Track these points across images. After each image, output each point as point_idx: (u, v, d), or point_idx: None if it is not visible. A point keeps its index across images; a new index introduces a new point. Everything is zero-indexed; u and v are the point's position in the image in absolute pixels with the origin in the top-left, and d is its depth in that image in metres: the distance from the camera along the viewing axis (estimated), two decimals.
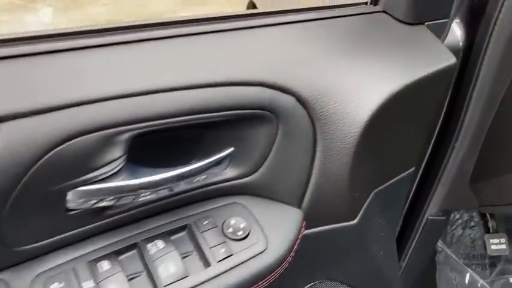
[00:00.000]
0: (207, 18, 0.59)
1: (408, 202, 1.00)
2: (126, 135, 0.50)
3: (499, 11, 0.73)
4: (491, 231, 1.30)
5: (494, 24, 0.73)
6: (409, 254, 1.07)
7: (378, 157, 0.68)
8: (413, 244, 1.05)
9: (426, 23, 0.72)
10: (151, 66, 0.52)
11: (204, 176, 0.59)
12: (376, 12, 0.72)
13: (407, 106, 0.67)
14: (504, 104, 0.85)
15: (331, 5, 0.73)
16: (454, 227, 1.45)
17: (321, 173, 0.62)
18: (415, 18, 0.70)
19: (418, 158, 0.83)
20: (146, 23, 0.54)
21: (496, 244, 1.21)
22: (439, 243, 1.39)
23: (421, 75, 0.65)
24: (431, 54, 0.69)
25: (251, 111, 0.56)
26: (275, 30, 0.63)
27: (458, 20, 0.80)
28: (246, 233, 0.58)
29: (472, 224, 1.46)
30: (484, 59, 0.76)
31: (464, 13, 0.80)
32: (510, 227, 1.43)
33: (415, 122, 0.72)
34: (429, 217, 0.99)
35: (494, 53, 0.75)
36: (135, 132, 0.51)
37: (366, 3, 0.74)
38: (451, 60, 0.69)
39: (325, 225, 0.67)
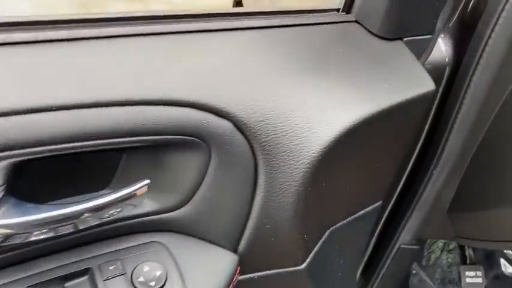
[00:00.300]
0: (126, 17, 0.48)
1: (378, 229, 0.91)
2: (1, 163, 0.40)
3: (492, 30, 0.63)
4: (468, 261, 1.22)
5: (486, 43, 0.64)
6: (378, 281, 0.98)
7: (334, 194, 0.58)
8: (383, 272, 0.96)
9: (405, 39, 0.62)
10: (37, 77, 0.41)
11: (118, 209, 0.49)
12: (347, 22, 0.61)
13: (372, 137, 0.57)
14: (493, 130, 0.76)
15: (296, 9, 0.63)
16: (431, 249, 1.38)
17: (263, 212, 0.52)
18: (392, 33, 0.60)
19: (387, 190, 0.74)
20: (34, 19, 0.43)
21: (472, 277, 1.13)
22: (414, 266, 1.32)
23: (392, 102, 0.55)
24: (407, 77, 0.59)
25: (175, 137, 0.46)
26: (219, 37, 0.52)
27: (445, 36, 0.70)
28: (161, 284, 0.48)
29: (451, 247, 1.39)
30: (471, 80, 0.67)
31: (453, 29, 0.70)
32: (489, 252, 1.36)
33: (382, 154, 0.62)
34: (401, 245, 0.90)
35: (484, 74, 0.65)
36: (17, 159, 0.40)
37: (337, 10, 0.64)
38: (429, 86, 0.59)
39: (266, 270, 0.57)
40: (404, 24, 0.60)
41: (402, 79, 0.58)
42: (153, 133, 0.45)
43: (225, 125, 0.47)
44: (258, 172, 0.51)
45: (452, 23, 0.69)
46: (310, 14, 0.62)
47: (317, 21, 0.60)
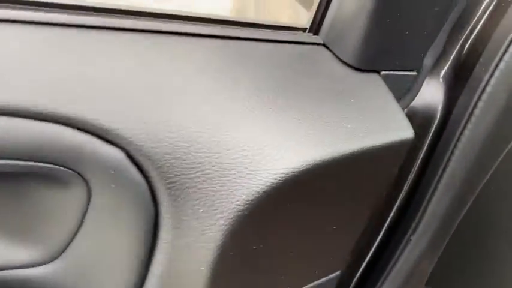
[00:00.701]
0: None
1: None
2: None
3: (491, 75, 0.53)
4: None
5: (483, 89, 0.53)
6: None
7: (268, 262, 0.44)
8: None
9: (383, 72, 0.50)
10: None
11: None
12: (313, 44, 0.49)
13: (325, 189, 0.43)
14: (485, 195, 0.65)
15: (255, 22, 0.51)
16: None
17: (163, 281, 0.38)
18: (365, 63, 0.48)
19: (349, 257, 0.59)
20: None
21: None
22: None
23: (354, 147, 0.42)
24: (379, 118, 0.46)
25: (34, 163, 0.32)
26: (134, 39, 0.39)
27: (436, 76, 0.59)
28: None
29: None
30: (463, 133, 0.57)
31: (446, 69, 0.59)
32: None
33: (340, 213, 0.48)
34: None
35: (479, 125, 0.56)
36: None
37: (304, 29, 0.52)
38: (405, 132, 0.46)
39: None
40: (382, 53, 0.48)
41: (372, 120, 0.45)
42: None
43: (112, 154, 0.34)
44: (160, 224, 0.37)
45: (445, 61, 0.57)
46: (271, 30, 0.50)
47: (275, 38, 0.48)
